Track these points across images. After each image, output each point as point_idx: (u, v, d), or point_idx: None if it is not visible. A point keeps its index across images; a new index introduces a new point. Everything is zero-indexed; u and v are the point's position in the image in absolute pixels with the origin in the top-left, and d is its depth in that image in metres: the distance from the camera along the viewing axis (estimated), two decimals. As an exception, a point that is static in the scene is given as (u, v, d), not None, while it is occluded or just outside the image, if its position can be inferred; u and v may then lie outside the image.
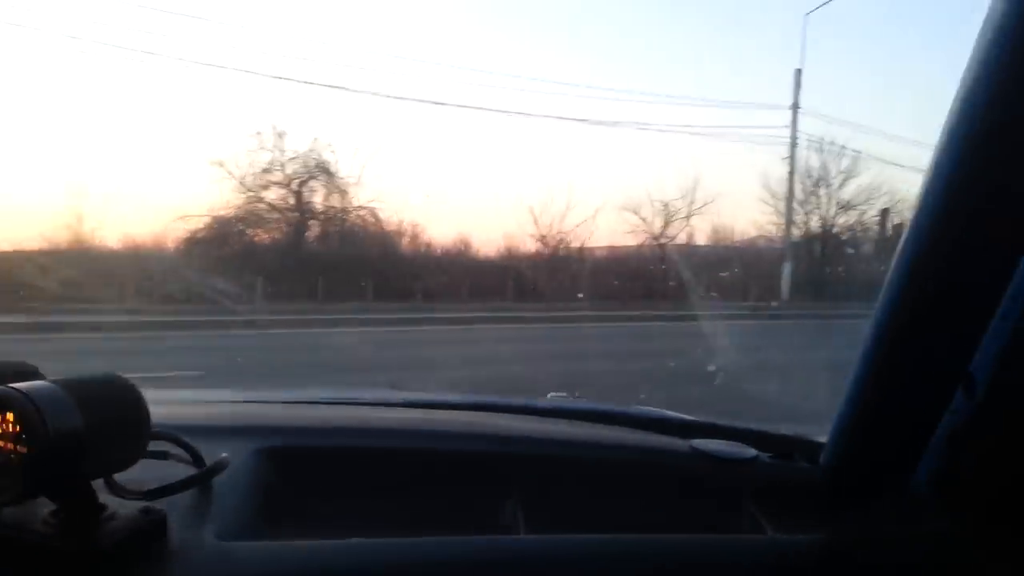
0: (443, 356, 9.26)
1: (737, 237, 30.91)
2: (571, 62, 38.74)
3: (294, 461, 0.84)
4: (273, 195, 21.35)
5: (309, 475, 0.84)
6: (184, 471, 0.72)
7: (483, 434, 0.95)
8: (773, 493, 0.88)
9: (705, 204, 27.84)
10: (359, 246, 21.17)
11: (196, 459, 0.75)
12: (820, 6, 24.94)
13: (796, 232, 28.14)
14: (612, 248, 28.22)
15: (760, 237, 30.65)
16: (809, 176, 29.45)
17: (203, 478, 0.72)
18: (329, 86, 22.92)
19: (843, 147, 31.56)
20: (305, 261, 19.65)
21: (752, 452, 0.93)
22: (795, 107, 25.45)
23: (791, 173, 26.38)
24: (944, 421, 0.74)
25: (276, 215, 21.51)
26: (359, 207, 22.08)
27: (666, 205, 27.27)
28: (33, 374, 0.66)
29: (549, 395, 1.49)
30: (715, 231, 30.46)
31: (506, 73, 34.51)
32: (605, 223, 34.85)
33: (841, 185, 33.11)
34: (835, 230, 29.76)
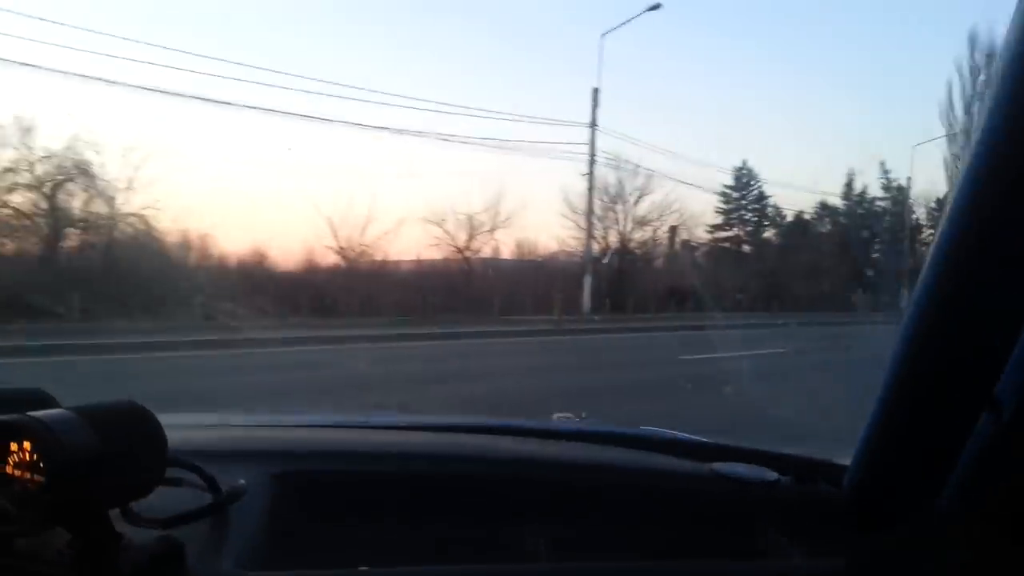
0: (192, 388, 7.79)
1: (540, 251, 31.35)
2: (373, 70, 37.70)
3: (310, 487, 0.83)
4: (20, 199, 18.50)
5: (325, 501, 0.82)
6: (200, 498, 0.71)
7: (501, 458, 0.92)
8: (795, 517, 0.86)
9: (508, 218, 27.90)
10: (128, 258, 18.81)
11: (212, 486, 0.72)
12: (616, 28, 25.66)
13: (596, 246, 28.90)
14: (420, 262, 27.51)
15: (562, 251, 31.30)
16: (607, 192, 30.72)
17: (220, 506, 0.70)
18: (92, 78, 20.06)
19: (638, 165, 33.43)
20: (60, 274, 17.13)
21: (773, 475, 0.91)
22: (593, 125, 26.10)
23: (590, 189, 27.02)
24: (970, 444, 0.73)
25: (25, 222, 18.64)
26: (129, 214, 19.68)
27: (470, 218, 27.02)
28: (48, 401, 0.64)
29: (554, 415, 1.43)
30: (519, 245, 30.68)
31: (303, 76, 32.50)
32: (410, 236, 33.96)
33: (636, 202, 34.82)
34: (631, 245, 30.95)
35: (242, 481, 0.75)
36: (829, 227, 52.79)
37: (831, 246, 47.74)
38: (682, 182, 45.87)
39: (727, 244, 53.76)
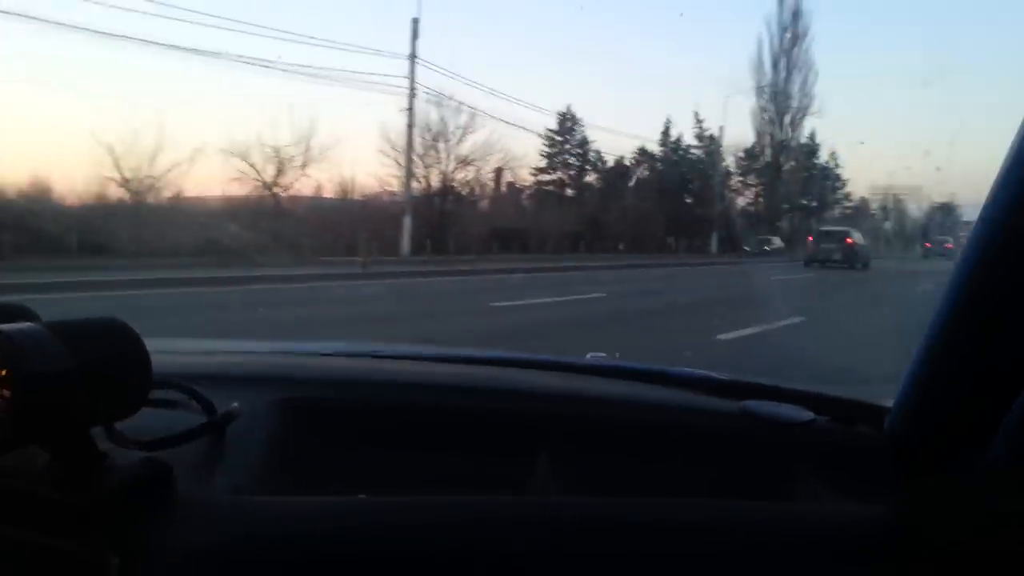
0: None
1: (361, 191, 29.66)
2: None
3: (312, 414, 0.81)
4: None
5: (324, 428, 0.80)
6: (194, 421, 0.69)
7: (514, 390, 0.90)
8: (831, 460, 0.83)
9: (322, 153, 25.89)
10: None
11: (208, 409, 0.71)
12: (437, -48, 24.05)
13: (417, 186, 27.64)
14: (225, 199, 25.02)
15: (384, 191, 29.82)
16: (429, 130, 29.52)
17: (211, 428, 0.69)
18: None
19: (460, 103, 32.45)
20: None
21: (809, 415, 0.86)
22: (413, 57, 24.62)
23: (410, 126, 25.65)
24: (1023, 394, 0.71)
25: None
26: None
27: (278, 151, 24.81)
28: (25, 315, 0.63)
29: (588, 355, 1.30)
30: (340, 184, 28.80)
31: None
32: (213, 170, 30.84)
33: (459, 140, 33.87)
34: (454, 185, 29.99)
35: (236, 404, 0.72)
36: (647, 173, 54.69)
37: (650, 191, 49.69)
38: (507, 123, 45.64)
39: (551, 187, 54.89)
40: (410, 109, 25.41)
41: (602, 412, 0.88)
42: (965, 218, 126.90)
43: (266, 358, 1.11)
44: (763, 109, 56.54)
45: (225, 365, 0.96)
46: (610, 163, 54.38)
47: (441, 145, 30.63)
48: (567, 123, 55.91)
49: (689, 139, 55.54)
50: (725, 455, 0.85)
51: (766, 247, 39.73)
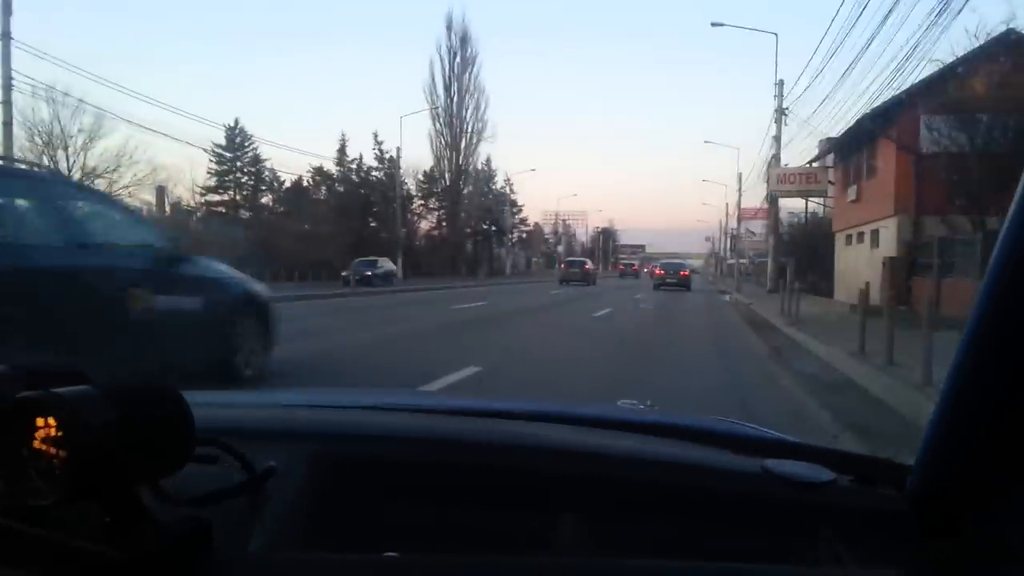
0: None
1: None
2: None
3: (343, 469, 0.82)
4: None
5: (357, 484, 0.82)
6: (233, 478, 0.71)
7: (544, 448, 0.91)
8: (853, 521, 0.82)
9: None
10: None
11: (245, 465, 0.73)
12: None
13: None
14: None
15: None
16: (37, 131, 24.12)
17: (251, 486, 0.72)
18: None
19: (81, 100, 27.14)
20: None
21: (830, 475, 0.86)
22: (6, 36, 19.38)
23: (6, 123, 20.20)
24: None
25: None
26: None
27: None
28: (78, 378, 0.64)
29: (619, 402, 1.45)
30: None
31: None
32: None
33: (85, 147, 28.40)
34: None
35: (272, 462, 0.74)
36: (326, 194, 51.93)
37: (329, 213, 47.04)
38: (151, 129, 40.36)
39: (222, 208, 50.06)
40: (6, 102, 19.99)
41: (626, 472, 0.88)
42: (622, 241, 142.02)
43: (301, 412, 1.11)
44: (440, 133, 57.01)
45: (261, 419, 0.99)
46: (287, 183, 51.25)
47: (61, 152, 25.19)
48: (237, 138, 51.48)
49: (370, 160, 54.41)
50: (746, 516, 0.84)
51: (369, 272, 34.58)
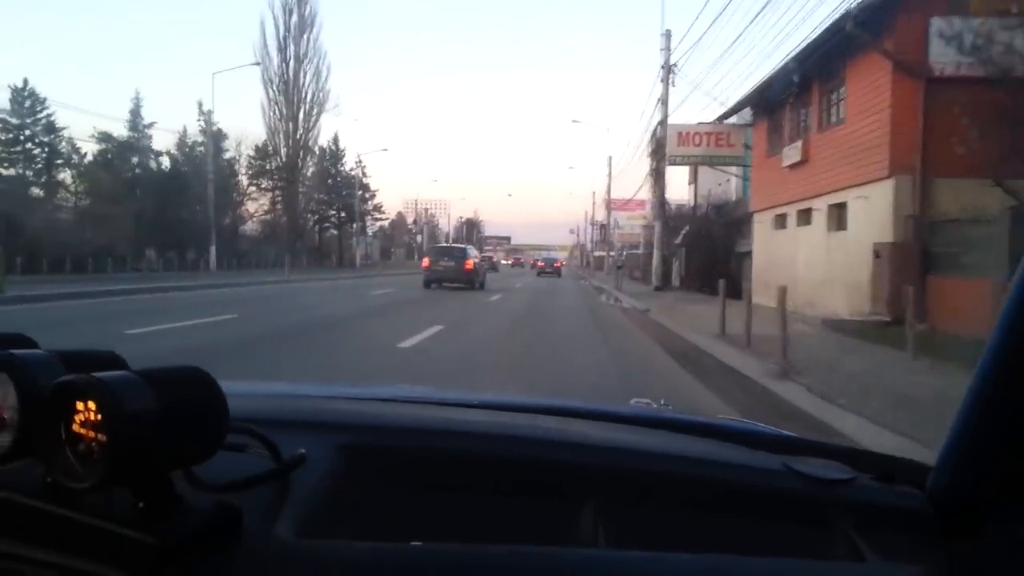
0: None
1: None
2: None
3: (370, 459, 0.83)
4: None
5: (384, 474, 0.83)
6: (262, 465, 0.71)
7: (565, 442, 0.91)
8: (873, 518, 0.81)
9: None
10: None
11: (274, 453, 0.72)
12: None
13: None
14: None
15: None
16: None
17: (280, 473, 0.71)
18: None
19: None
20: None
21: (850, 473, 0.86)
22: None
23: None
24: None
25: None
26: None
27: None
28: (116, 363, 0.66)
29: (632, 401, 1.44)
30: None
31: None
32: None
33: None
34: None
35: (302, 450, 0.74)
36: (138, 171, 42.20)
37: (130, 193, 37.79)
38: None
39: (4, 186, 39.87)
40: None
41: (648, 465, 0.87)
42: (487, 232, 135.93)
43: (327, 403, 1.12)
44: (274, 102, 47.64)
45: (289, 409, 0.98)
46: (89, 155, 41.24)
47: None
48: (26, 102, 41.42)
49: (196, 134, 45.15)
50: (767, 512, 0.84)
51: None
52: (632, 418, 1.10)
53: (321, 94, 48.64)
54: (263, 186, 47.18)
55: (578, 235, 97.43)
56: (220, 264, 37.47)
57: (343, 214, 58.96)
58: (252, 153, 46.38)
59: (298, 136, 48.30)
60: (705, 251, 22.92)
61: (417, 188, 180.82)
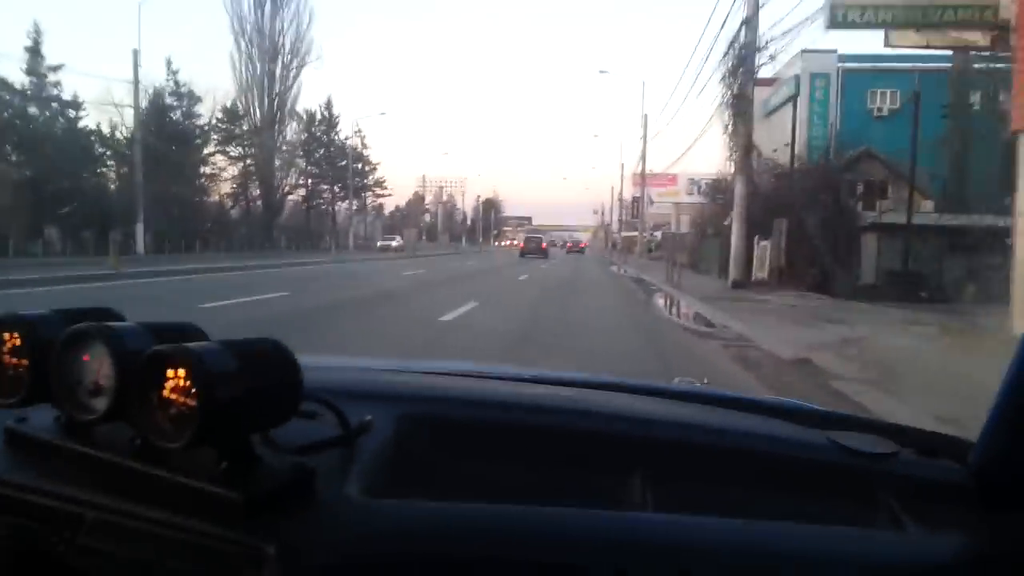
0: None
1: None
2: None
3: (431, 429, 0.87)
4: None
5: (445, 442, 0.86)
6: (331, 431, 0.75)
7: (619, 414, 0.94)
8: (915, 491, 0.82)
9: None
10: None
11: (342, 420, 0.76)
12: None
13: None
14: None
15: None
16: None
17: (350, 437, 0.75)
18: None
19: None
20: None
21: (893, 446, 0.86)
22: None
23: None
24: None
25: None
26: None
27: None
28: (199, 334, 0.70)
29: (676, 380, 1.48)
30: None
31: None
32: None
33: None
34: None
35: (369, 417, 0.79)
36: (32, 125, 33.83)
37: (52, 155, 29.78)
38: None
39: None
40: None
41: (696, 438, 0.89)
42: (506, 213, 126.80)
43: (386, 375, 1.16)
44: (246, 55, 38.64)
45: (353, 381, 1.02)
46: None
47: None
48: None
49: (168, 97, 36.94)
50: (812, 483, 0.85)
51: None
52: (678, 394, 1.12)
53: (301, 44, 40.28)
54: (233, 154, 38.82)
55: (603, 215, 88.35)
56: (160, 247, 29.42)
57: (337, 188, 50.58)
58: (220, 116, 38.05)
59: (274, 94, 40.01)
60: (826, 225, 14.33)
61: (426, 162, 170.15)
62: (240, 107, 39.19)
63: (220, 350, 0.61)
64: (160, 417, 0.60)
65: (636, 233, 54.29)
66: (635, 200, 42.23)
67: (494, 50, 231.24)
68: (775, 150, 32.36)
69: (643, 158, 36.27)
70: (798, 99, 30.15)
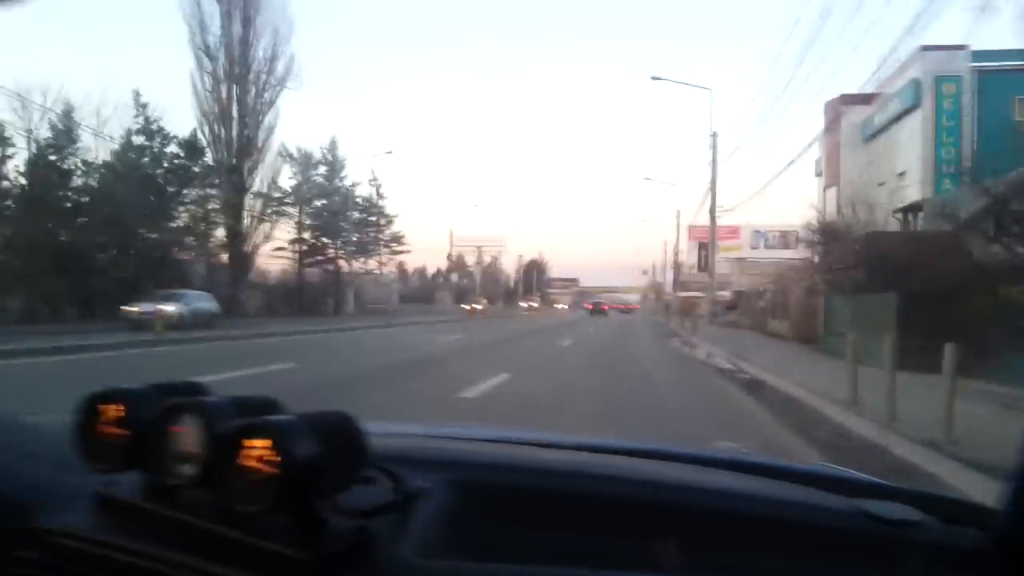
0: None
1: None
2: None
3: (478, 494, 0.89)
4: None
5: (492, 508, 0.88)
6: (389, 495, 0.78)
7: (655, 482, 0.96)
8: (941, 560, 0.83)
9: None
10: None
11: (399, 485, 0.80)
12: None
13: None
14: None
15: None
16: None
17: (407, 502, 0.79)
18: None
19: None
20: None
21: (919, 515, 0.88)
22: None
23: None
24: None
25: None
26: None
27: None
28: (277, 407, 0.76)
29: (718, 444, 1.51)
30: None
31: None
32: None
33: None
34: None
35: (427, 484, 0.83)
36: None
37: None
38: None
39: None
40: None
41: (729, 505, 0.91)
42: (551, 275, 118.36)
43: (440, 443, 1.18)
44: (211, 77, 30.83)
45: (407, 447, 1.04)
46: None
47: None
48: None
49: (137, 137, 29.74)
50: (840, 552, 0.85)
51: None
52: (713, 461, 1.14)
53: (278, 63, 32.36)
54: (188, 199, 30.61)
55: (653, 274, 78.58)
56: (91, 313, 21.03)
57: (339, 244, 42.23)
58: (175, 150, 30.18)
59: (246, 122, 32.07)
60: None
61: (452, 216, 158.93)
62: (203, 139, 31.31)
63: (298, 423, 0.66)
64: (243, 484, 0.64)
65: (696, 294, 44.48)
66: (701, 249, 32.47)
67: (524, 88, 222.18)
68: (882, 183, 22.34)
69: (712, 187, 26.64)
70: (915, 112, 23.16)
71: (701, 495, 0.92)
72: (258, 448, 0.64)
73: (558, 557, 0.78)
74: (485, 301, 55.73)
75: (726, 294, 37.97)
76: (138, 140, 29.00)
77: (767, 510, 0.89)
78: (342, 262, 42.29)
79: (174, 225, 29.21)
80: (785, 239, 49.54)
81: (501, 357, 13.70)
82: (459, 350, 15.88)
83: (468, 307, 53.06)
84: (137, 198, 26.24)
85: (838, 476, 1.09)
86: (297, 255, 40.88)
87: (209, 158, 31.33)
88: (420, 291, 73.47)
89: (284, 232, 39.56)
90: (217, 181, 30.79)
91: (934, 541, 0.84)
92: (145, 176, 27.94)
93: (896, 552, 0.83)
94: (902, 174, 24.55)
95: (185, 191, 30.04)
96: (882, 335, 9.20)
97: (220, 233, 31.97)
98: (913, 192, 23.02)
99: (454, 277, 72.74)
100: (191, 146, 30.58)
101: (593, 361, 13.75)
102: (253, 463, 0.64)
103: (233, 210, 31.43)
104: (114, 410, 0.74)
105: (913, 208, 21.89)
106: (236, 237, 31.87)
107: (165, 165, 29.42)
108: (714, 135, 27.21)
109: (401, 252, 52.54)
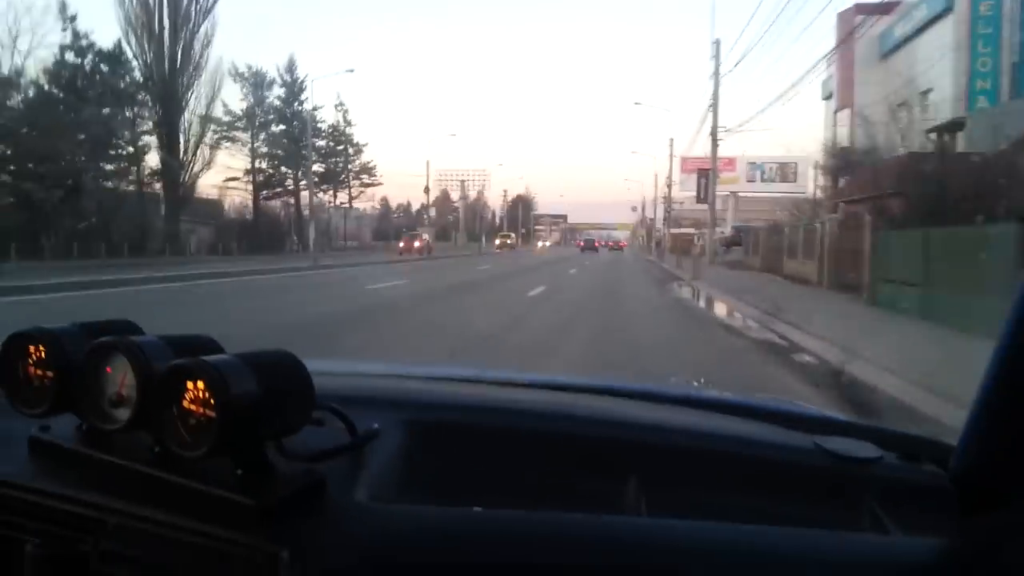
0: None
1: None
2: None
3: (433, 434, 0.88)
4: None
5: (446, 448, 0.88)
6: (339, 438, 0.77)
7: (610, 420, 0.96)
8: (897, 495, 0.84)
9: None
10: None
11: (350, 428, 0.79)
12: None
13: None
14: None
15: None
16: None
17: (358, 445, 0.77)
18: None
19: None
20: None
21: (877, 452, 0.88)
22: None
23: None
24: None
25: None
26: None
27: None
28: (216, 347, 0.71)
29: (671, 378, 1.57)
30: None
31: None
32: None
33: None
34: None
35: (376, 425, 0.81)
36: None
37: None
38: None
39: None
40: None
41: (687, 443, 0.91)
42: (540, 211, 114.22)
43: (394, 382, 1.19)
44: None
45: (357, 387, 1.02)
46: None
47: None
48: None
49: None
50: (798, 488, 0.86)
51: None
52: (672, 398, 1.14)
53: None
54: (111, 119, 26.58)
55: (643, 210, 74.81)
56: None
57: (300, 174, 38.30)
58: (105, 68, 26.01)
59: (181, 34, 27.84)
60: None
61: (426, 146, 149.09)
62: (128, 51, 27.11)
63: (236, 363, 0.62)
64: (180, 427, 0.62)
65: (690, 230, 40.99)
66: (700, 177, 28.86)
67: (504, 2, 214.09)
68: (901, 104, 19.89)
69: (714, 102, 22.87)
70: (945, 19, 20.45)
71: (658, 433, 0.92)
72: (194, 389, 0.61)
73: (514, 498, 0.76)
74: (426, 237, 41.28)
75: (723, 231, 34.61)
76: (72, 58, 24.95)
77: (725, 447, 0.89)
78: (305, 194, 38.42)
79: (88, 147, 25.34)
80: (784, 171, 46.17)
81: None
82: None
83: (401, 244, 38.95)
84: (42, 117, 22.33)
85: (797, 412, 1.09)
86: (251, 185, 37.07)
87: (137, 73, 27.19)
88: (406, 227, 69.79)
89: (237, 161, 35.59)
90: (142, 97, 26.65)
91: (892, 477, 0.85)
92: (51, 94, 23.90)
93: (854, 488, 0.83)
94: (926, 92, 21.03)
95: (105, 110, 26.01)
96: (983, 288, 6.07)
97: (154, 160, 28.07)
98: (944, 111, 19.53)
99: (431, 212, 68.83)
100: (114, 59, 26.44)
101: (584, 318, 10.33)
102: (189, 405, 0.62)
103: (168, 130, 27.46)
104: (36, 351, 0.70)
105: (952, 126, 18.41)
106: (168, 165, 28.00)
107: (81, 82, 25.39)
108: (716, 42, 23.35)
109: (371, 184, 48.53)
